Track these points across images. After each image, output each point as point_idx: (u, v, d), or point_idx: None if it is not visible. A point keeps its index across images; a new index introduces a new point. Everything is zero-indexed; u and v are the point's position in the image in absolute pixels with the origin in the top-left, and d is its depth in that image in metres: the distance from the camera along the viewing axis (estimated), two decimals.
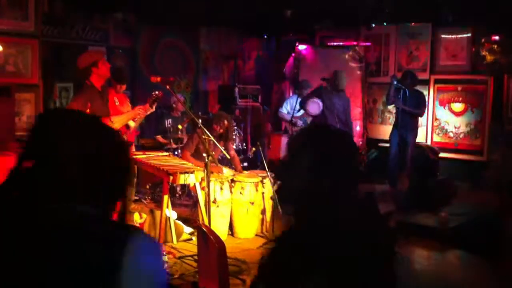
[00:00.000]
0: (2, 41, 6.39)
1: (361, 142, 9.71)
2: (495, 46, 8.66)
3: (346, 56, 9.67)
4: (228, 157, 6.38)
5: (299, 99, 7.83)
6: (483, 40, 8.74)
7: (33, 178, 1.35)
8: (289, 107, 8.40)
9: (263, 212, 6.09)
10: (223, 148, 6.15)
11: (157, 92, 5.39)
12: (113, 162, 1.44)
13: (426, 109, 8.73)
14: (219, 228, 5.76)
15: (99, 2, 8.09)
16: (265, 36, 11.08)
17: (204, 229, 3.93)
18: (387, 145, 8.60)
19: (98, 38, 8.58)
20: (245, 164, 8.28)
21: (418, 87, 8.38)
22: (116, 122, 5.17)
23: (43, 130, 1.42)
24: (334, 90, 7.78)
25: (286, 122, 8.62)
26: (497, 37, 8.66)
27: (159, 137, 8.11)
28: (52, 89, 7.79)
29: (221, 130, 6.50)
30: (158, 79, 5.80)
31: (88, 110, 4.83)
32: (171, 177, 5.28)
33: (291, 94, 9.76)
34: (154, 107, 5.42)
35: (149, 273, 1.31)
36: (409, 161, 8.20)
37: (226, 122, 6.53)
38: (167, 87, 5.64)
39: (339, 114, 7.76)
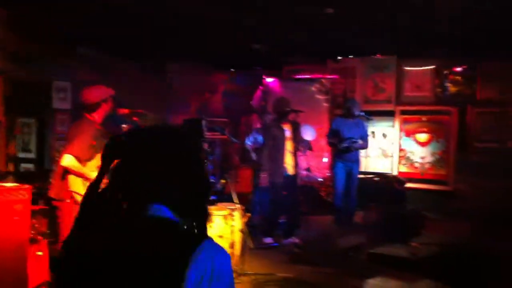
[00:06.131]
0: None
1: (328, 174, 9.72)
2: (458, 77, 8.85)
3: (313, 89, 9.75)
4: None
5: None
6: (446, 72, 8.92)
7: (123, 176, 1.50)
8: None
9: (232, 245, 5.99)
10: None
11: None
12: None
13: (393, 139, 8.77)
14: None
15: (64, 37, 8.00)
16: (233, 70, 11.12)
17: None
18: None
19: (63, 74, 8.47)
20: (213, 197, 8.15)
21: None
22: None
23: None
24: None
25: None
26: (459, 69, 8.86)
27: None
28: (13, 124, 7.63)
29: None
30: (126, 111, 5.69)
31: (91, 149, 4.62)
32: None
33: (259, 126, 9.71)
34: None
35: (220, 269, 1.38)
36: (355, 195, 7.75)
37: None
38: (135, 119, 5.55)
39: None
